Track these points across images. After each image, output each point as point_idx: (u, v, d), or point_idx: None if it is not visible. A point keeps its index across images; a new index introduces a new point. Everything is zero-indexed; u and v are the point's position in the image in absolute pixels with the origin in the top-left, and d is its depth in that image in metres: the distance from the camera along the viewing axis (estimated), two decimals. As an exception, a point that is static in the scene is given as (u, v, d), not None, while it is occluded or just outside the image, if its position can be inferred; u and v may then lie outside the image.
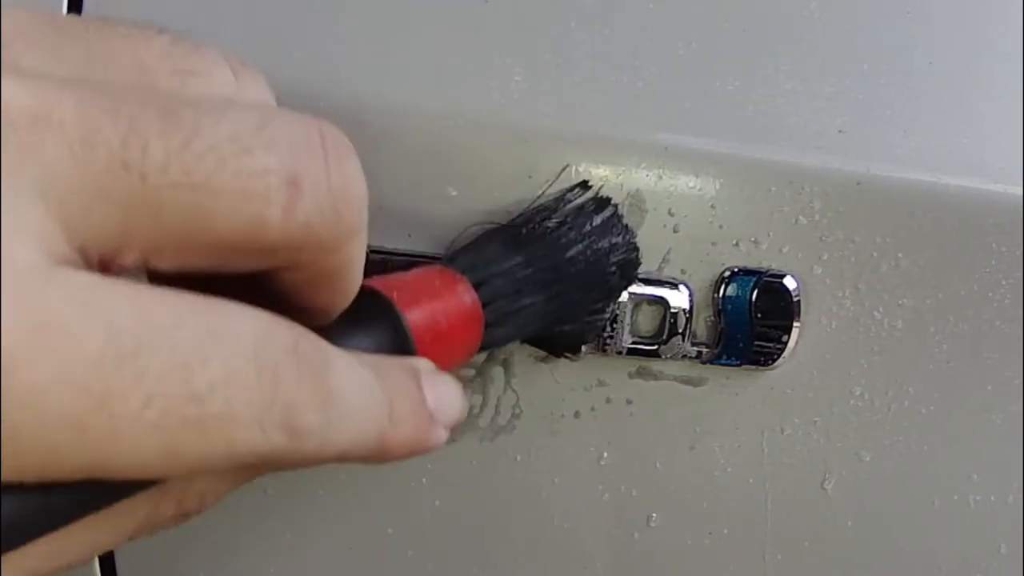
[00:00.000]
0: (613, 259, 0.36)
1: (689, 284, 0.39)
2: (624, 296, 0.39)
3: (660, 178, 0.39)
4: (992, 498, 0.41)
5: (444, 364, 0.28)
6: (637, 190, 0.38)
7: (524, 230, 0.36)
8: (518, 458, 0.41)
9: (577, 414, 0.41)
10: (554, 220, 0.36)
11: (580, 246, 0.35)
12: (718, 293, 0.39)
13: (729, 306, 0.39)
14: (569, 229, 0.36)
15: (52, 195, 0.16)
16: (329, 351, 0.21)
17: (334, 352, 0.21)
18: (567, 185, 0.38)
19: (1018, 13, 0.40)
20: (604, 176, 0.39)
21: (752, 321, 0.39)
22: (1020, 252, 0.39)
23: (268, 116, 0.19)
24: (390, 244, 0.39)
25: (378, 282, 0.28)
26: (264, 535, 0.42)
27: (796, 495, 0.41)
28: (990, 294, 0.39)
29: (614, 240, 0.37)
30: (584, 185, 0.38)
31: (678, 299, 0.39)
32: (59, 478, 0.17)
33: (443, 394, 0.25)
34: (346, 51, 0.39)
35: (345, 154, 0.20)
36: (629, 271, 0.38)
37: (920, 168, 0.39)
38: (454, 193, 0.39)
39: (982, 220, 0.39)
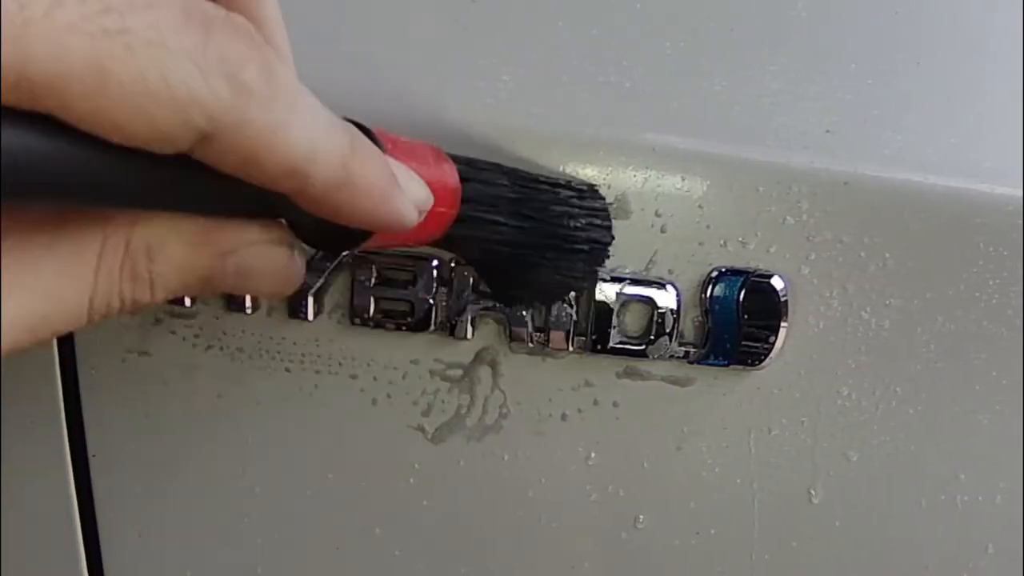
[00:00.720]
0: (588, 239, 0.37)
1: (676, 284, 0.39)
2: (612, 296, 0.39)
3: (648, 178, 0.39)
4: (980, 498, 0.41)
5: (419, 227, 0.29)
6: (624, 191, 0.38)
7: (524, 175, 0.36)
8: (505, 458, 0.41)
9: (564, 416, 0.41)
10: (552, 183, 0.37)
11: (562, 208, 0.36)
12: (705, 293, 0.39)
13: (717, 306, 0.39)
14: (560, 195, 0.36)
15: None
16: (265, 43, 0.21)
17: (273, 51, 0.22)
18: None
19: (1006, 14, 0.40)
20: (592, 176, 0.39)
21: (740, 321, 0.39)
22: (1007, 252, 0.39)
23: None
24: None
25: (378, 131, 0.29)
26: (252, 535, 0.42)
27: (783, 495, 0.41)
28: (978, 294, 0.39)
29: (595, 225, 0.37)
30: (590, 185, 0.38)
31: (665, 299, 0.39)
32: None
33: (408, 173, 0.27)
34: (332, 52, 0.39)
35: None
36: (597, 258, 0.38)
37: (908, 168, 0.39)
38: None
39: (970, 220, 0.39)
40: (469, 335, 0.39)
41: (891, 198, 0.39)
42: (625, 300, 0.39)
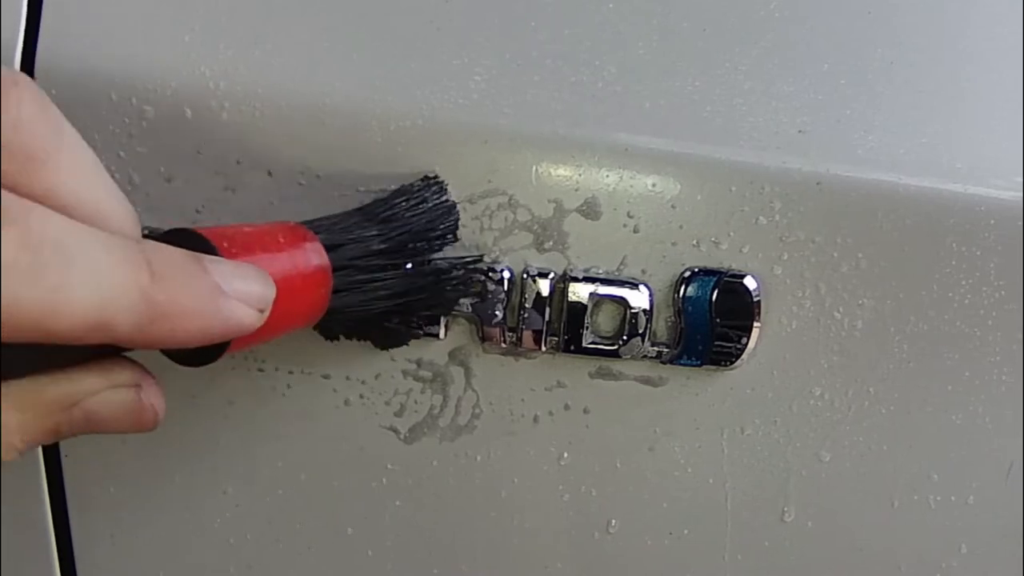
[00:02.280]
0: (442, 238, 0.37)
1: (649, 284, 0.39)
2: (584, 296, 0.39)
3: (620, 178, 0.39)
4: (952, 498, 0.41)
5: (284, 318, 0.28)
6: (596, 191, 0.38)
7: (383, 210, 0.36)
8: (478, 458, 0.41)
9: (536, 417, 0.41)
10: (405, 197, 0.37)
11: (422, 220, 0.36)
12: (678, 293, 0.39)
13: (689, 306, 0.39)
14: (420, 208, 0.37)
15: None
16: (26, 206, 0.21)
17: (37, 209, 0.21)
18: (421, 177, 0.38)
19: (978, 15, 0.40)
20: (565, 176, 0.39)
21: (712, 321, 0.39)
22: (979, 252, 0.39)
23: None
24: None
25: (216, 231, 0.27)
26: (224, 535, 0.42)
27: (756, 495, 0.41)
28: (950, 294, 0.39)
29: (444, 221, 0.38)
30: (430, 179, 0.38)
31: (638, 299, 0.39)
32: None
33: (234, 270, 0.25)
34: (306, 51, 0.39)
35: (8, 87, 0.21)
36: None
37: (880, 168, 0.39)
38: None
39: (942, 220, 0.39)
40: (442, 335, 0.39)
41: (864, 198, 0.39)
42: (598, 300, 0.39)
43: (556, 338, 0.39)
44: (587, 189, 0.39)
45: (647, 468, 0.41)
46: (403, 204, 0.36)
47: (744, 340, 0.39)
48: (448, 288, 0.37)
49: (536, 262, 0.39)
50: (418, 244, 0.36)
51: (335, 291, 0.32)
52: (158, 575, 0.43)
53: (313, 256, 0.30)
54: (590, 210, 0.39)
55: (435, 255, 0.37)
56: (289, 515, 0.42)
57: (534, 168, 0.38)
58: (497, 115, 0.38)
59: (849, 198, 0.39)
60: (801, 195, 0.38)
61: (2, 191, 0.20)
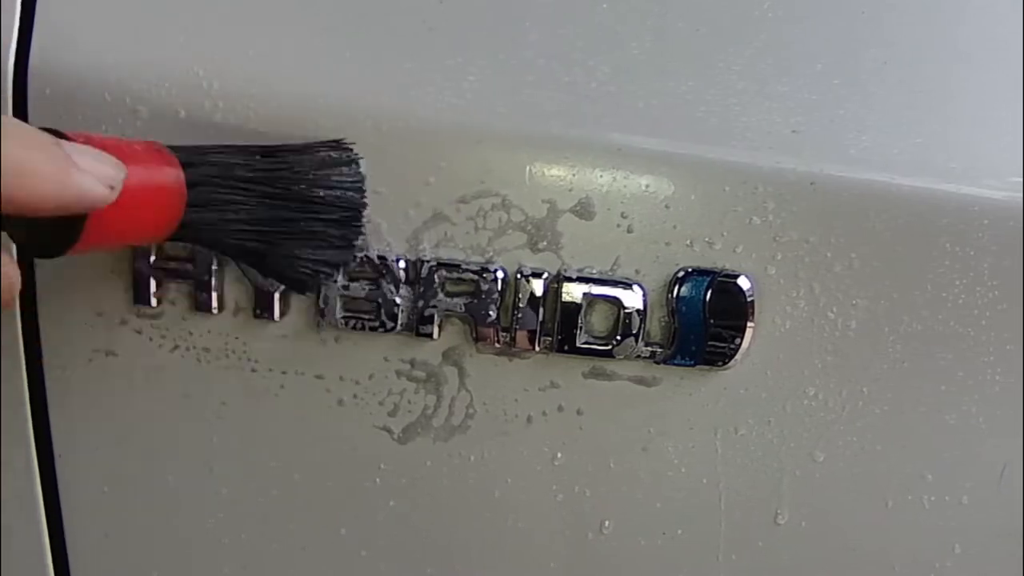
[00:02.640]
0: (337, 204, 0.37)
1: (643, 284, 0.39)
2: (578, 296, 0.39)
3: (614, 178, 0.39)
4: (946, 498, 0.41)
5: (136, 217, 0.31)
6: (590, 191, 0.38)
7: (260, 148, 0.36)
8: (472, 458, 0.41)
9: (530, 417, 0.41)
10: (293, 149, 0.37)
11: (307, 175, 0.36)
12: (672, 293, 0.39)
13: (683, 306, 0.39)
14: (304, 161, 0.36)
15: None
16: None
17: None
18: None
19: (972, 16, 0.41)
20: (558, 176, 0.39)
21: (706, 321, 0.39)
22: (973, 252, 0.39)
23: None
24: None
25: (74, 133, 0.29)
26: (218, 535, 0.42)
27: (750, 495, 0.41)
28: (944, 294, 0.39)
29: (344, 188, 0.37)
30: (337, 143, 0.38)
31: (632, 299, 0.39)
32: None
33: (86, 152, 0.28)
34: (299, 51, 0.39)
35: None
36: (351, 224, 0.38)
37: (874, 168, 0.39)
38: (407, 192, 0.39)
39: (936, 220, 0.39)
40: (435, 335, 0.39)
41: (857, 198, 0.39)
42: (591, 300, 0.39)
43: (550, 338, 0.39)
44: (581, 189, 0.39)
45: (641, 468, 0.41)
46: (288, 147, 0.37)
47: (738, 340, 0.39)
48: (297, 258, 0.37)
49: (530, 262, 0.39)
50: (294, 183, 0.36)
51: (192, 205, 0.33)
52: (151, 574, 0.43)
53: (167, 167, 0.32)
54: (584, 210, 0.39)
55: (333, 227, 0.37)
56: (283, 515, 0.42)
57: (528, 168, 0.39)
58: (491, 115, 0.38)
59: (843, 198, 0.39)
60: (795, 195, 0.38)
61: None
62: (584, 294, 0.39)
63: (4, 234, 0.32)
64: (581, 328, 0.39)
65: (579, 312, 0.39)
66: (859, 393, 0.40)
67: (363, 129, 0.38)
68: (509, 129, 0.39)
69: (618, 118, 0.39)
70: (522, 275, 0.39)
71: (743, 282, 0.39)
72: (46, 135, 0.27)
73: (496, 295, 0.39)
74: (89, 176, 0.27)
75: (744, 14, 0.40)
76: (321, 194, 0.36)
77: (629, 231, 0.39)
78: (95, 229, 0.29)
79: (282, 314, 0.40)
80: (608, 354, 0.39)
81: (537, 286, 0.39)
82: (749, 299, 0.39)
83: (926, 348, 0.40)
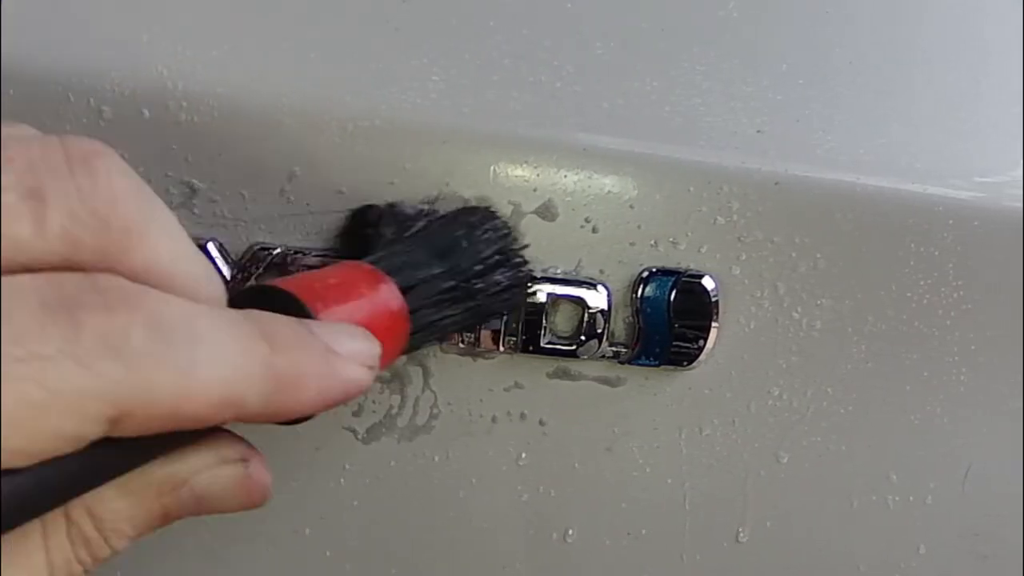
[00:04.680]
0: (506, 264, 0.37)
1: (607, 284, 0.39)
2: (542, 296, 0.39)
3: (578, 178, 0.39)
4: (911, 498, 0.41)
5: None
6: (554, 191, 0.38)
7: (445, 242, 0.35)
8: (436, 459, 0.41)
9: (494, 417, 0.41)
10: (466, 226, 0.36)
11: (480, 254, 0.36)
12: (636, 293, 0.39)
13: (647, 306, 0.39)
14: (475, 238, 0.36)
15: None
16: (141, 289, 0.20)
17: (153, 292, 0.20)
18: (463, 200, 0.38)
19: (937, 16, 0.40)
20: (523, 176, 0.39)
21: (670, 321, 0.39)
22: (937, 252, 0.39)
23: (3, 140, 0.19)
24: (309, 244, 0.39)
25: (303, 284, 0.27)
26: (181, 536, 0.42)
27: (714, 495, 0.41)
28: (909, 294, 0.39)
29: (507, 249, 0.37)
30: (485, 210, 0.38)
31: (596, 299, 0.39)
32: None
33: (340, 331, 0.25)
34: (264, 51, 0.39)
35: (94, 158, 0.20)
36: (519, 277, 0.37)
37: (839, 168, 0.39)
38: (372, 194, 0.39)
39: (901, 220, 0.39)
40: (400, 335, 0.39)
41: (822, 198, 0.39)
42: (555, 300, 0.39)
43: (514, 338, 0.39)
44: (545, 189, 0.39)
45: (606, 468, 0.41)
46: (461, 234, 0.36)
47: (702, 340, 0.39)
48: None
49: (494, 262, 0.39)
50: (482, 275, 0.36)
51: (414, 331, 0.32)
52: (115, 574, 0.43)
53: (392, 301, 0.30)
54: (548, 210, 0.39)
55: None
56: (246, 515, 0.42)
57: (492, 168, 0.38)
58: (456, 115, 0.38)
59: (808, 198, 0.39)
60: (759, 195, 0.38)
61: (113, 277, 0.20)
62: (548, 294, 0.39)
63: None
64: (545, 328, 0.39)
65: (543, 312, 0.39)
66: (824, 393, 0.40)
67: (327, 129, 0.38)
68: (474, 129, 0.38)
69: (583, 118, 0.39)
70: (486, 275, 0.39)
71: (707, 282, 0.39)
72: (297, 323, 0.24)
73: (460, 295, 0.39)
74: (352, 364, 0.24)
75: (709, 14, 0.40)
76: (498, 277, 0.36)
77: (594, 231, 0.39)
78: None
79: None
80: (572, 354, 0.39)
81: (501, 286, 0.39)
82: (714, 299, 0.39)
83: (891, 348, 0.40)
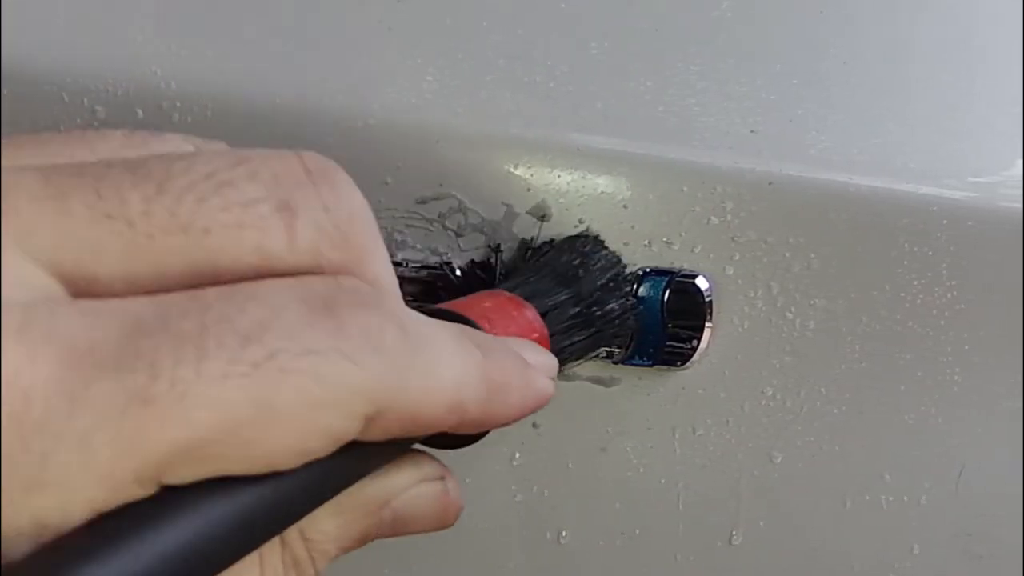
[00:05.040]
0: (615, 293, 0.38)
1: (601, 284, 0.39)
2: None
3: (572, 179, 0.39)
4: (905, 498, 0.41)
5: None
6: (548, 191, 0.38)
7: (567, 268, 0.36)
8: (430, 458, 0.41)
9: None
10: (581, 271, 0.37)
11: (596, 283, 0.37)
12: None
13: (641, 306, 0.39)
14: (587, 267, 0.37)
15: (40, 253, 0.16)
16: (379, 292, 0.20)
17: (389, 295, 0.21)
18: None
19: (931, 15, 0.40)
20: (516, 176, 0.39)
21: (664, 321, 0.39)
22: (931, 252, 0.39)
23: (242, 154, 0.19)
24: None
25: (463, 306, 0.28)
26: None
27: (708, 495, 0.41)
28: (903, 294, 0.39)
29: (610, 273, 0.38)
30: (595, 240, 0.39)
31: (590, 299, 0.39)
32: None
33: (524, 345, 0.26)
34: (257, 51, 0.39)
35: (332, 174, 0.20)
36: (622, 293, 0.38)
37: (833, 168, 0.39)
38: (365, 194, 0.39)
39: (895, 220, 0.39)
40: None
41: (816, 198, 0.39)
42: (549, 300, 0.39)
43: (508, 338, 0.39)
44: (539, 189, 0.39)
45: (599, 469, 0.41)
46: (579, 263, 0.37)
47: (696, 340, 0.39)
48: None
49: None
50: (600, 303, 0.36)
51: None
52: None
53: (536, 323, 0.31)
54: (542, 210, 0.39)
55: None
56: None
57: (486, 168, 0.38)
58: (449, 115, 0.38)
59: (801, 198, 0.39)
60: (753, 195, 0.38)
61: (355, 279, 0.20)
62: (542, 294, 0.39)
63: None
64: (539, 328, 0.39)
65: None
66: (817, 393, 0.40)
67: (320, 129, 0.38)
68: (468, 129, 0.38)
69: (576, 118, 0.39)
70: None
71: (701, 282, 0.39)
72: (491, 335, 0.24)
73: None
74: (541, 376, 0.24)
75: (703, 14, 0.40)
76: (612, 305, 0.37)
77: (587, 231, 0.39)
78: None
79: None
80: (566, 354, 0.39)
81: (495, 286, 0.39)
82: (707, 299, 0.39)
83: (885, 348, 0.40)
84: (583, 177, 0.39)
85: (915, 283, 0.39)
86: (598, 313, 0.36)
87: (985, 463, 0.41)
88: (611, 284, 0.37)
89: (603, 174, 0.39)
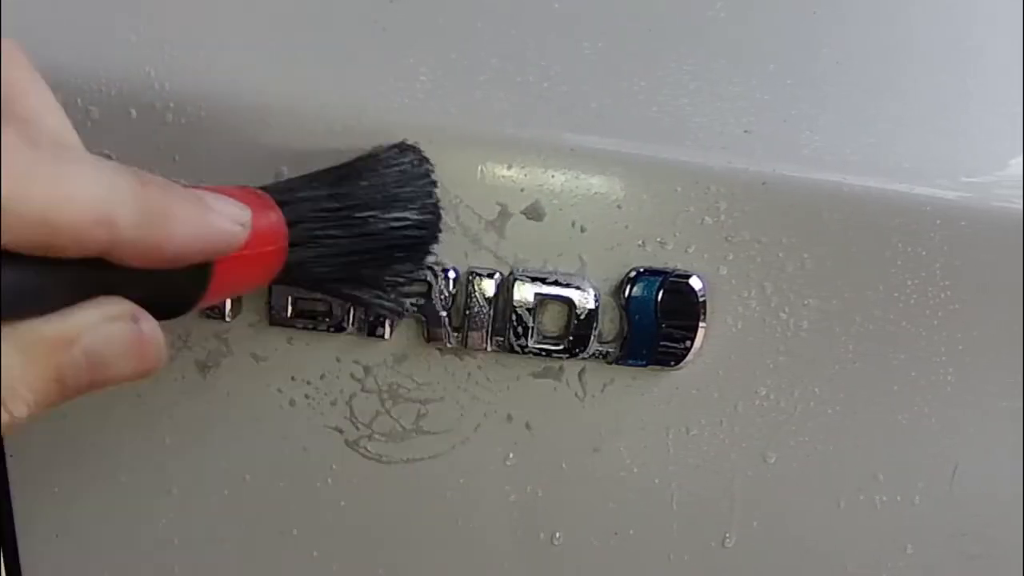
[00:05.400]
0: (414, 202, 0.37)
1: (595, 285, 0.39)
2: (530, 296, 0.39)
3: (566, 178, 0.39)
4: (898, 498, 0.41)
5: (241, 272, 0.30)
6: (542, 191, 0.38)
7: (338, 172, 0.36)
8: (424, 459, 0.41)
9: (482, 419, 0.40)
10: (366, 160, 0.36)
11: (383, 181, 0.36)
12: (624, 293, 0.39)
13: (635, 306, 0.39)
14: (379, 172, 0.36)
15: None
16: (28, 115, 0.24)
17: (30, 111, 0.24)
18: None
19: (924, 16, 0.40)
20: (510, 176, 0.38)
21: (658, 321, 0.39)
22: (924, 252, 0.39)
23: None
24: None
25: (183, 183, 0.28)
26: (169, 535, 0.42)
27: (702, 495, 0.41)
28: (896, 294, 0.39)
29: (418, 195, 0.37)
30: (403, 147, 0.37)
31: (584, 300, 0.39)
32: None
33: (211, 195, 0.27)
34: (250, 52, 0.39)
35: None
36: (429, 222, 0.37)
37: (826, 168, 0.39)
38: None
39: (888, 220, 0.39)
40: (388, 336, 0.39)
41: (809, 198, 0.39)
42: (543, 300, 0.39)
43: (502, 338, 0.39)
44: (533, 189, 0.38)
45: (593, 468, 0.41)
46: (361, 164, 0.36)
47: (689, 340, 0.39)
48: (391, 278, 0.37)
49: (482, 263, 0.39)
50: (377, 205, 0.35)
51: (292, 244, 0.33)
52: (103, 574, 0.43)
53: (269, 209, 0.32)
54: (535, 211, 0.39)
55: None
56: (234, 516, 0.42)
57: (480, 168, 0.38)
58: (443, 115, 0.38)
59: (795, 198, 0.39)
60: (747, 195, 0.38)
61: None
62: (536, 294, 0.39)
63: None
64: (533, 328, 0.39)
65: (531, 312, 0.39)
66: (811, 393, 0.40)
67: (314, 129, 0.38)
68: (461, 129, 0.38)
69: (570, 118, 0.39)
70: (474, 275, 0.39)
71: (695, 282, 0.39)
72: (169, 180, 0.26)
73: (448, 295, 0.39)
74: (224, 217, 0.26)
75: (696, 14, 0.40)
76: (402, 215, 0.36)
77: (581, 231, 0.39)
78: (219, 279, 0.28)
79: (234, 314, 0.40)
80: (560, 354, 0.39)
81: (489, 287, 0.39)
82: (701, 299, 0.39)
83: (878, 348, 0.40)
84: (576, 177, 0.39)
85: (909, 283, 0.39)
86: (369, 216, 0.35)
87: (979, 463, 0.41)
88: (398, 192, 0.36)
89: (597, 174, 0.39)
